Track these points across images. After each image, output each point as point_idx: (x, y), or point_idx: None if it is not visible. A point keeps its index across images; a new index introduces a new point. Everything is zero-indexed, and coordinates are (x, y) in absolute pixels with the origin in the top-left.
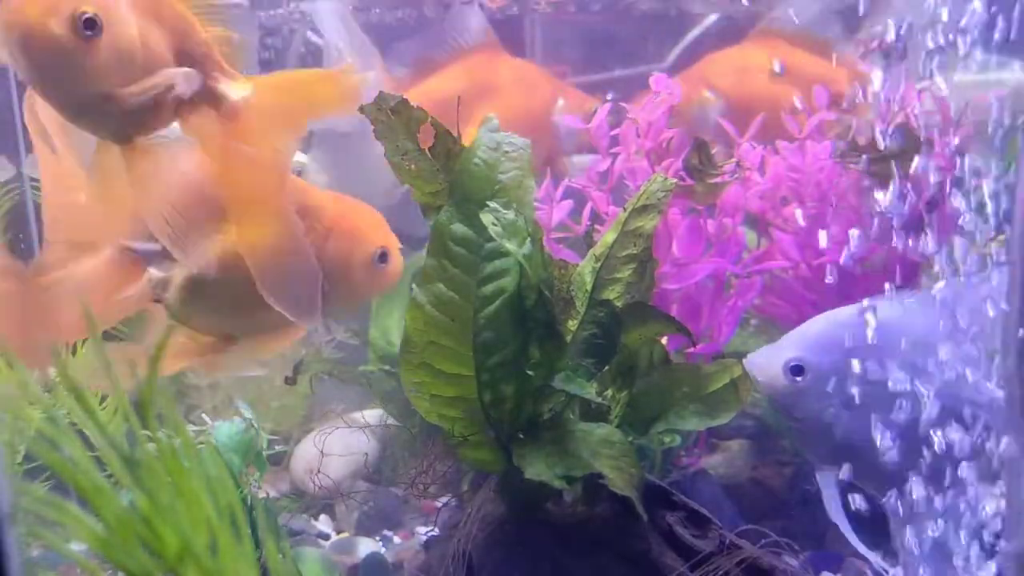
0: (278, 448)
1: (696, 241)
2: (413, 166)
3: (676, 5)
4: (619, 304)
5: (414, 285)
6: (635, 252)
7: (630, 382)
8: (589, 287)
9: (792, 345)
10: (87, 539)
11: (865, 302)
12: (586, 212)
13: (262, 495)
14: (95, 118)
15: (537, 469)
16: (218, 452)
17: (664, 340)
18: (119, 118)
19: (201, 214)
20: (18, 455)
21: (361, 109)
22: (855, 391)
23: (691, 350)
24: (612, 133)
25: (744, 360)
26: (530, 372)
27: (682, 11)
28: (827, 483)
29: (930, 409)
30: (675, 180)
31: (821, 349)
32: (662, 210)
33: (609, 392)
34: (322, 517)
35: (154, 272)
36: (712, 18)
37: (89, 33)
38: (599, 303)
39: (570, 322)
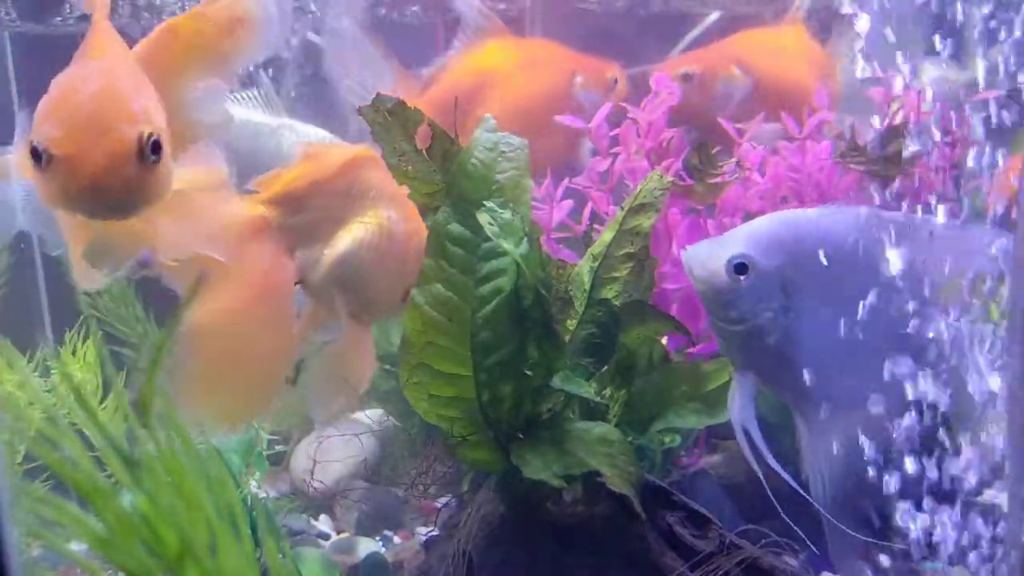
0: (278, 448)
1: (696, 241)
2: (410, 167)
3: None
4: (617, 303)
5: (413, 285)
6: (633, 251)
7: (628, 381)
8: (587, 286)
9: (738, 241)
10: (87, 539)
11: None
12: (586, 212)
13: (262, 495)
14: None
15: (535, 468)
16: (218, 452)
17: (664, 340)
18: None
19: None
20: (18, 455)
21: (359, 111)
22: (797, 298)
23: (691, 350)
24: (612, 133)
25: (683, 253)
26: (528, 372)
27: (682, 11)
28: (743, 385)
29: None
30: (672, 179)
31: (768, 249)
32: (659, 208)
33: (608, 391)
34: (322, 517)
35: (301, 252)
36: (712, 17)
37: (155, 158)
38: (597, 302)
39: (568, 322)
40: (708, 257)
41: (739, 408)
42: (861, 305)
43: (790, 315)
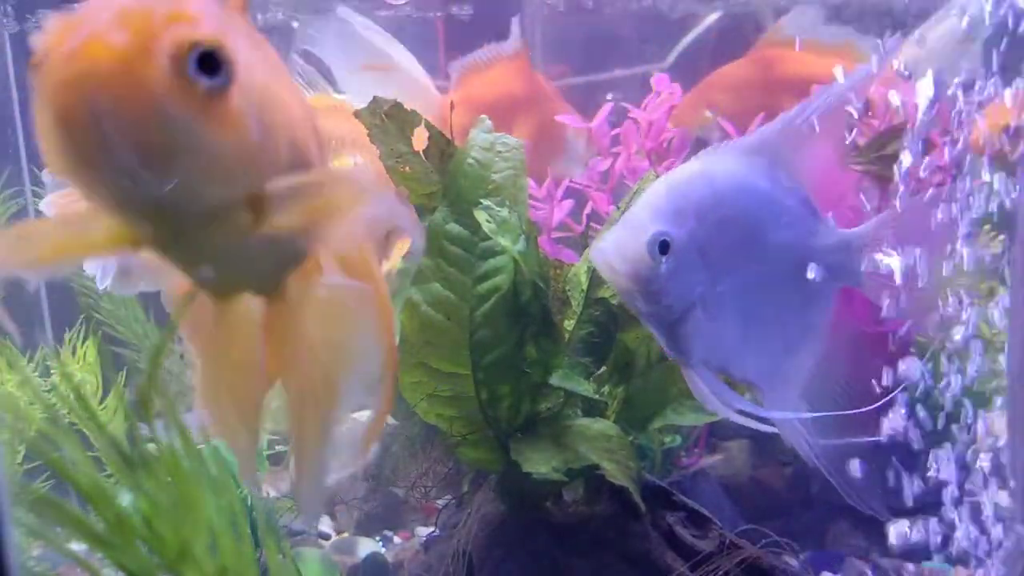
0: (278, 448)
1: None
2: (408, 168)
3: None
4: (615, 302)
5: (411, 285)
6: None
7: (627, 379)
8: (585, 286)
9: (645, 218)
10: (87, 539)
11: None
12: (585, 212)
13: (262, 495)
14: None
15: (534, 463)
16: (218, 452)
17: None
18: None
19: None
20: (19, 455)
21: (356, 114)
22: (719, 263)
23: None
24: (613, 132)
25: (591, 252)
26: (527, 370)
27: (682, 11)
28: (704, 377)
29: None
30: None
31: (676, 217)
32: None
33: (606, 389)
34: (322, 517)
35: None
36: (712, 18)
37: (211, 83)
38: (595, 301)
39: (567, 322)
40: (623, 245)
41: (717, 398)
42: (782, 255)
43: (717, 285)
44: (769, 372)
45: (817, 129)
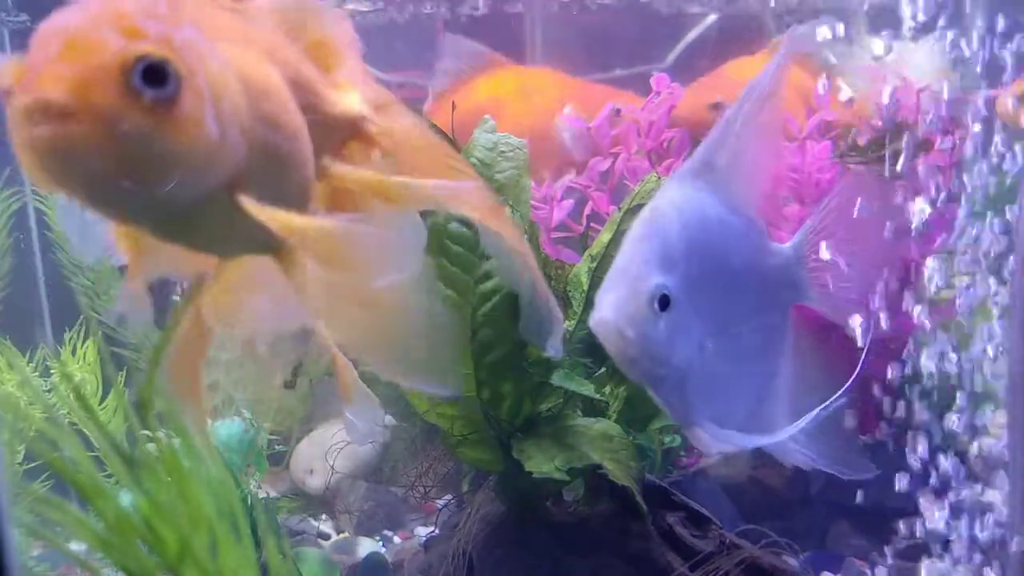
0: (278, 448)
1: None
2: None
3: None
4: None
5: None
6: None
7: (628, 379)
8: (586, 287)
9: (645, 268)
10: (87, 539)
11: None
12: (585, 213)
13: (262, 495)
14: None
15: (536, 462)
16: (218, 452)
17: None
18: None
19: None
20: (18, 455)
21: None
22: (704, 305)
23: None
24: (614, 132)
25: (592, 323)
26: (529, 370)
27: (681, 11)
28: (710, 432)
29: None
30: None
31: (670, 262)
32: None
33: (607, 389)
34: (322, 517)
35: None
36: (712, 18)
37: (157, 93)
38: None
39: (568, 322)
40: (624, 306)
41: (730, 444)
42: (748, 283)
43: (708, 329)
44: (761, 405)
45: (750, 131)
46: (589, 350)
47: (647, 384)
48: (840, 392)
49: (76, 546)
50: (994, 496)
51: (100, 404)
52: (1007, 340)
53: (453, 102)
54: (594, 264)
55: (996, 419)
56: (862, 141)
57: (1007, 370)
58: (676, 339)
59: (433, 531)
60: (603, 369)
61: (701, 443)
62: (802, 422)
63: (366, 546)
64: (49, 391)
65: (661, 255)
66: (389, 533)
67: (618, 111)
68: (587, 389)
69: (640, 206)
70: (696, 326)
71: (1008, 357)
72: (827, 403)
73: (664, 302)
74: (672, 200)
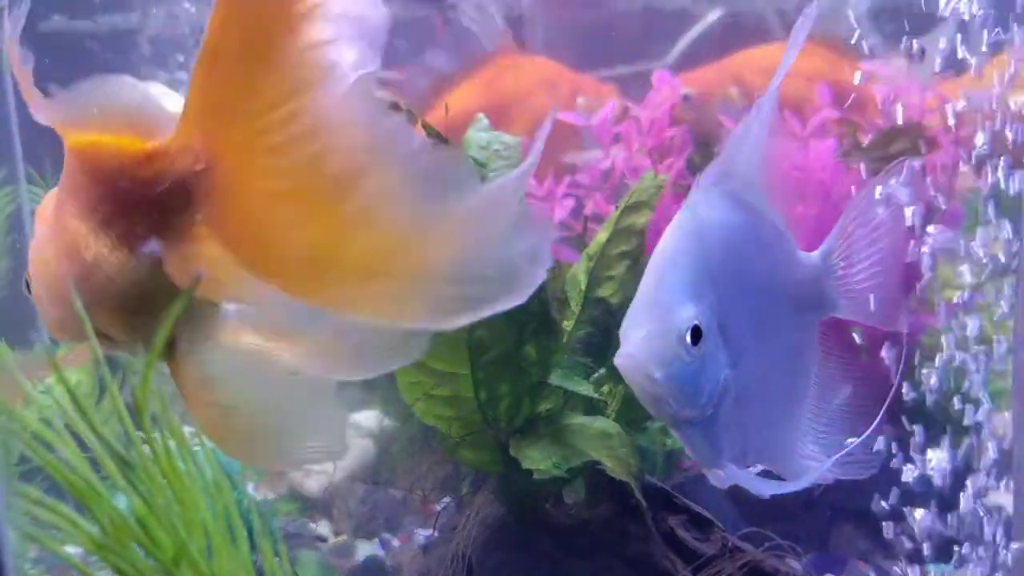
0: None
1: None
2: None
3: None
4: (614, 300)
5: None
6: (628, 249)
7: None
8: (583, 286)
9: (674, 297)
10: (83, 542)
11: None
12: (585, 212)
13: (259, 497)
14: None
15: (534, 460)
16: (214, 454)
17: None
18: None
19: None
20: (14, 457)
21: None
22: (739, 331)
23: None
24: (615, 130)
25: (618, 361)
26: (526, 369)
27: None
28: (736, 477)
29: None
30: (666, 176)
31: (699, 288)
32: (653, 206)
33: (606, 388)
34: (320, 520)
35: None
36: (713, 15)
37: None
38: (594, 301)
39: (566, 322)
40: (654, 341)
41: (752, 489)
42: (777, 301)
43: (738, 360)
44: (789, 439)
45: (766, 133)
46: (588, 350)
47: (671, 425)
48: (874, 425)
49: (71, 549)
50: (1000, 498)
51: (96, 405)
52: (1015, 339)
53: (446, 104)
54: (591, 263)
55: (1004, 419)
56: (864, 140)
57: (1013, 370)
58: (705, 374)
59: (432, 534)
60: (602, 369)
61: (717, 480)
62: (830, 462)
63: (364, 549)
64: (44, 392)
65: (692, 280)
66: (388, 536)
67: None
68: (586, 388)
69: (638, 203)
70: (724, 356)
71: (1014, 357)
72: (861, 437)
73: (696, 335)
74: (698, 215)
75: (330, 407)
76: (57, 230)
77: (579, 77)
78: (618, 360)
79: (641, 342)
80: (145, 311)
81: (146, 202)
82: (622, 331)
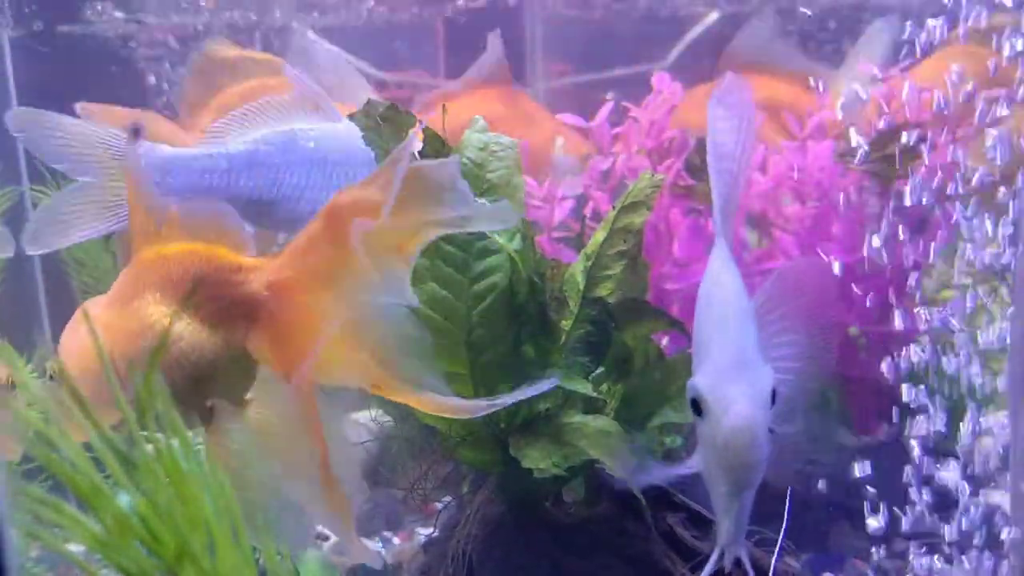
0: None
1: (697, 241)
2: None
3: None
4: (612, 300)
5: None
6: (625, 248)
7: (625, 376)
8: (581, 286)
9: (746, 357)
10: (85, 540)
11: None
12: (586, 212)
13: None
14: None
15: (533, 459)
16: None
17: (665, 342)
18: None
19: None
20: (16, 455)
21: (350, 117)
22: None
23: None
24: (615, 132)
25: (727, 419)
26: (525, 369)
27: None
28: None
29: None
30: (663, 176)
31: (762, 347)
32: (651, 206)
33: (605, 387)
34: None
35: None
36: (712, 17)
37: None
38: (592, 301)
39: (564, 322)
40: (748, 408)
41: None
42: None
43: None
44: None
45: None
46: (586, 349)
47: (736, 493)
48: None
49: (74, 547)
50: (996, 496)
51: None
52: (1011, 338)
53: (444, 105)
54: (589, 263)
55: (998, 419)
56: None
57: (1008, 370)
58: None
59: (433, 532)
60: (601, 368)
61: (721, 536)
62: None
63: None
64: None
65: (754, 336)
66: (388, 534)
67: None
68: (585, 388)
69: (635, 203)
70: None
71: (1010, 357)
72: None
73: (774, 394)
74: (731, 271)
75: (295, 512)
76: (126, 316)
77: (560, 123)
78: (729, 426)
79: (748, 406)
80: (205, 380)
81: (229, 298)
82: (717, 395)
